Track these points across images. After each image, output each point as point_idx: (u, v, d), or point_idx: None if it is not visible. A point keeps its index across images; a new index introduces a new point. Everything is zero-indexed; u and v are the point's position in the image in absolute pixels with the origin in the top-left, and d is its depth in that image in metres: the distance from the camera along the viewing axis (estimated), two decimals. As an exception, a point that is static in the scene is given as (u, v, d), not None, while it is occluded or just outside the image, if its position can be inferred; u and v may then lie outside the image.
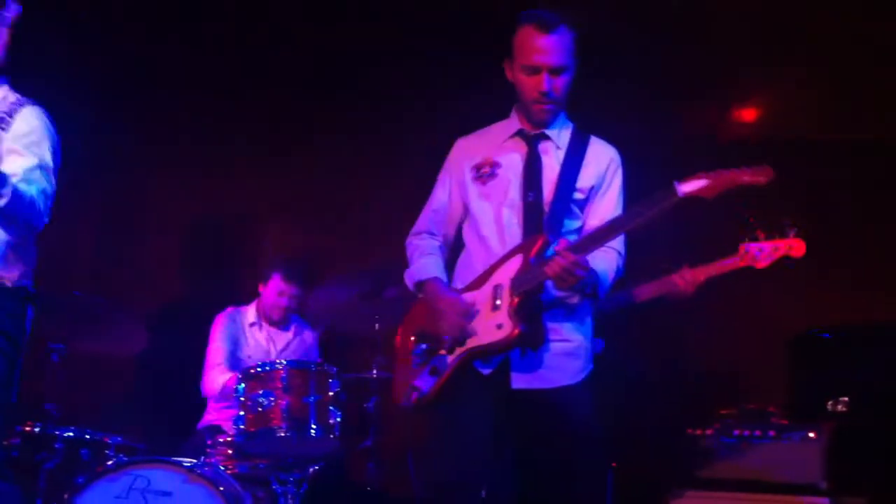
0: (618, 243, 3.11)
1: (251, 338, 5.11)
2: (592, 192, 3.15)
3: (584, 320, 3.15)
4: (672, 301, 4.15)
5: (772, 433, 4.21)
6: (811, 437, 4.12)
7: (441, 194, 3.34)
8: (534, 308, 2.99)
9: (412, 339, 3.20)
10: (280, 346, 5.15)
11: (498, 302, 2.99)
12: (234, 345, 5.04)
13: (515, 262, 3.02)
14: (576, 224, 3.14)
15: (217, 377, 4.88)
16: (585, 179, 3.13)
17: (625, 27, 5.59)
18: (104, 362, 5.31)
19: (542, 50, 3.02)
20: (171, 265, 5.73)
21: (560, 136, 3.19)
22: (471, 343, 3.01)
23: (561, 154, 3.16)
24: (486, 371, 3.03)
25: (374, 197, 5.76)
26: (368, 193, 5.80)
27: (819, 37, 5.45)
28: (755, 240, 3.83)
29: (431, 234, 3.35)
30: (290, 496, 4.09)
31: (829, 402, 4.51)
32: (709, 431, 4.33)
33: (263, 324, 5.16)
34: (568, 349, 3.07)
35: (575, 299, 3.08)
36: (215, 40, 5.76)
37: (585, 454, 3.02)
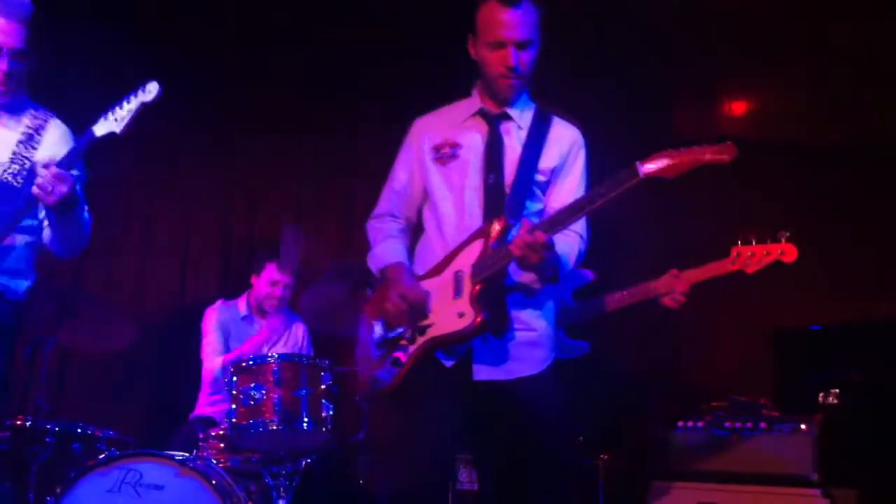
0: (579, 226, 3.04)
1: (242, 331, 5.10)
2: (554, 173, 3.08)
3: (546, 307, 3.08)
4: (666, 305, 4.10)
5: (763, 425, 4.22)
6: (802, 430, 4.13)
7: (401, 175, 3.25)
8: (496, 294, 2.92)
9: (374, 327, 3.13)
10: (272, 339, 5.14)
11: (459, 289, 2.92)
12: (226, 336, 5.04)
13: (476, 248, 2.94)
14: (537, 206, 3.07)
15: (216, 361, 4.91)
16: (547, 160, 3.07)
17: (617, 28, 5.62)
18: (95, 356, 5.30)
19: (508, 24, 2.96)
20: (164, 261, 5.69)
21: (522, 117, 3.12)
22: (432, 332, 2.93)
23: (523, 135, 3.09)
24: (449, 363, 2.96)
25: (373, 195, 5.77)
26: (368, 191, 5.79)
27: (811, 40, 5.49)
28: (747, 243, 3.82)
29: (393, 216, 3.27)
30: (282, 489, 4.07)
31: (821, 395, 4.54)
32: (700, 423, 4.35)
33: (255, 317, 5.16)
34: (531, 338, 3.00)
35: (536, 285, 3.01)
36: (215, 47, 5.75)
37: (552, 445, 2.95)
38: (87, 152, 3.15)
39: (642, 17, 5.65)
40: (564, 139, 3.12)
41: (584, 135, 3.17)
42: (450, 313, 2.90)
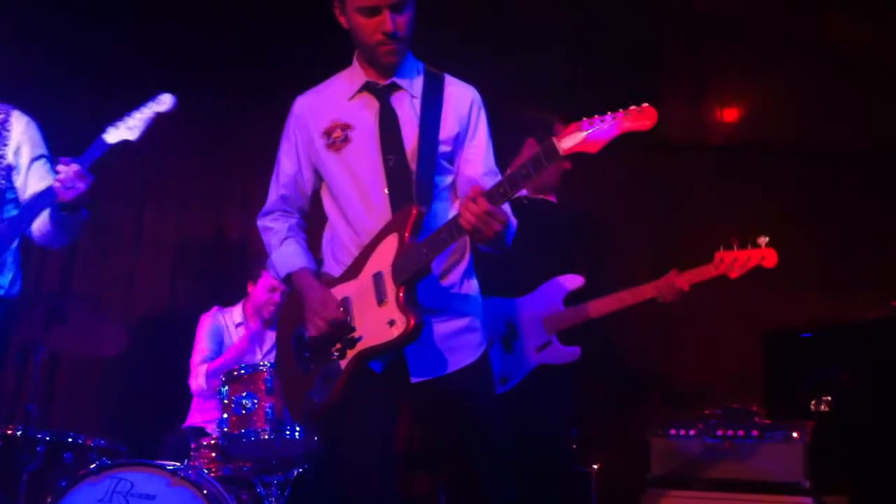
0: None
1: (235, 338, 5.08)
2: (458, 139, 2.87)
3: (470, 290, 2.89)
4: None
5: (755, 433, 4.22)
6: (794, 437, 4.14)
7: (287, 166, 3.01)
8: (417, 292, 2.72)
9: (294, 341, 2.92)
10: (266, 347, 5.12)
11: (382, 294, 2.70)
12: (220, 344, 5.02)
13: (391, 243, 2.71)
14: (448, 179, 2.88)
15: (201, 371, 4.87)
16: (449, 128, 2.85)
17: (612, 30, 5.62)
18: (86, 363, 5.29)
19: None
20: (155, 268, 5.67)
21: (413, 84, 2.88)
22: (362, 345, 2.72)
23: (417, 104, 2.85)
24: (379, 368, 2.76)
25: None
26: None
27: (802, 42, 5.50)
28: (730, 248, 3.85)
29: (285, 211, 3.04)
30: (274, 499, 4.08)
31: (812, 402, 4.54)
32: (692, 431, 4.35)
33: (250, 325, 5.14)
34: (460, 326, 2.82)
35: (457, 275, 2.85)
36: (208, 49, 5.73)
37: (496, 434, 2.81)
38: (99, 158, 3.17)
39: (632, 18, 5.66)
40: (462, 101, 2.89)
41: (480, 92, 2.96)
42: (378, 322, 2.69)
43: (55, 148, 3.50)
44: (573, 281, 4.10)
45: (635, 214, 5.72)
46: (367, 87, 2.89)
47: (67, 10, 5.43)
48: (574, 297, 4.11)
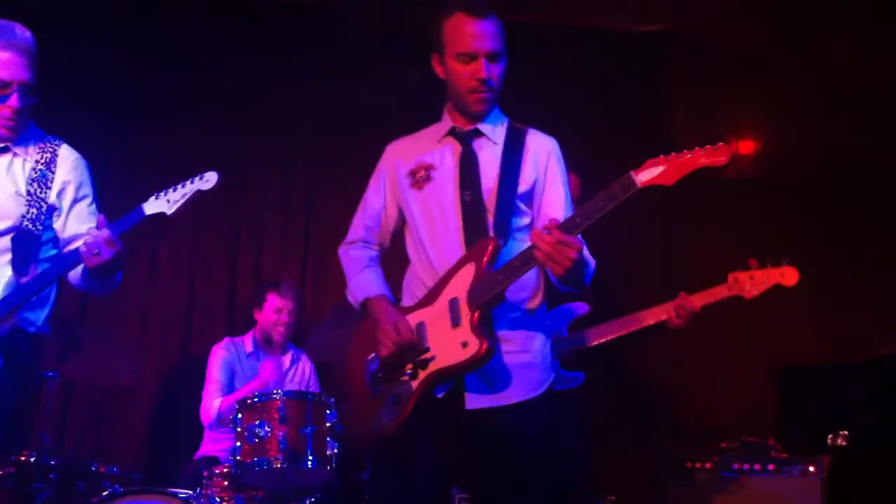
0: None
1: (249, 368, 5.08)
2: (536, 185, 2.98)
3: (541, 328, 2.96)
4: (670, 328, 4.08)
5: (771, 467, 4.20)
6: (811, 472, 4.11)
7: (374, 200, 3.15)
8: (491, 319, 2.81)
9: (368, 364, 3.00)
10: (280, 372, 5.12)
11: (457, 318, 2.79)
12: (231, 375, 5.01)
13: (468, 272, 2.82)
14: (524, 221, 2.96)
15: (214, 405, 4.86)
16: (527, 172, 2.97)
17: (617, 67, 5.67)
18: (100, 391, 5.30)
19: (478, 35, 2.88)
20: (170, 300, 5.69)
21: (495, 132, 3.02)
22: (434, 365, 2.80)
23: (498, 150, 2.99)
24: (441, 394, 2.83)
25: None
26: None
27: (811, 71, 5.54)
28: (746, 269, 3.78)
29: (366, 241, 3.17)
30: (286, 529, 4.06)
31: (829, 436, 4.50)
32: (708, 465, 4.32)
33: (261, 353, 5.14)
34: (525, 360, 2.87)
35: (532, 303, 2.92)
36: (219, 78, 5.79)
37: (546, 475, 2.83)
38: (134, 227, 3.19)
39: (641, 56, 5.71)
40: (542, 150, 3.02)
41: (560, 145, 3.08)
42: (451, 343, 2.78)
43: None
44: (579, 308, 4.05)
45: (644, 242, 5.71)
46: (451, 132, 3.04)
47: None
48: (579, 324, 4.07)
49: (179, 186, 3.18)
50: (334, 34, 5.82)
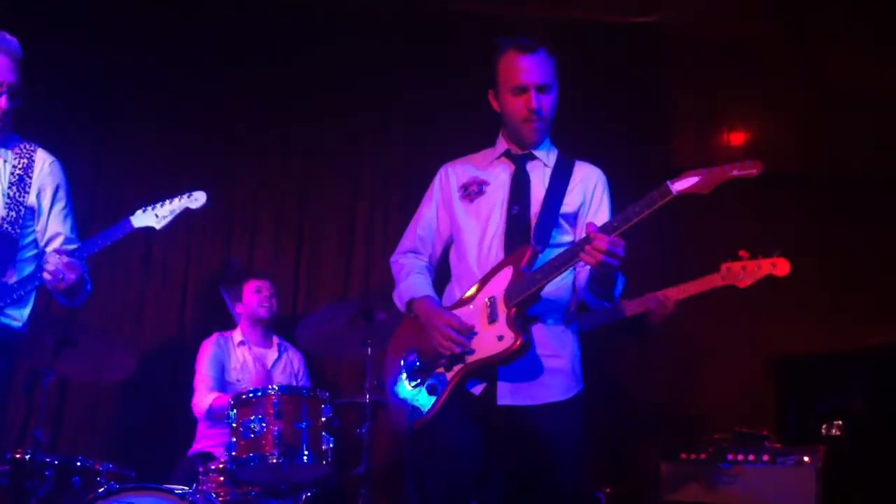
0: None
1: (239, 357, 5.08)
2: (581, 208, 3.15)
3: (573, 334, 3.12)
4: (654, 322, 4.09)
5: (766, 458, 4.20)
6: (805, 462, 4.11)
7: (427, 213, 3.33)
8: (527, 318, 2.97)
9: (405, 358, 3.16)
10: (269, 364, 5.13)
11: (494, 314, 2.96)
12: (221, 368, 5.02)
13: (506, 274, 2.99)
14: (565, 238, 3.11)
15: (204, 398, 4.88)
16: (574, 195, 3.14)
17: (614, 60, 5.66)
18: (94, 388, 5.29)
19: (528, 69, 3.07)
20: (163, 298, 5.67)
21: (548, 157, 3.21)
22: (471, 358, 2.96)
23: (548, 172, 3.17)
24: (478, 390, 2.99)
25: (373, 226, 5.81)
26: (355, 221, 5.82)
27: (809, 71, 5.54)
28: (738, 259, 3.79)
29: (417, 252, 3.33)
30: (282, 523, 4.05)
31: (824, 426, 4.51)
32: (703, 456, 4.32)
33: (251, 345, 5.15)
34: (557, 365, 3.02)
35: (564, 316, 3.07)
36: (216, 75, 5.78)
37: (569, 477, 2.97)
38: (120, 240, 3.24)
39: (642, 49, 5.70)
40: (589, 179, 3.19)
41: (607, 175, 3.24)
42: (488, 338, 2.94)
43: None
44: None
45: (639, 240, 5.71)
46: (506, 154, 3.24)
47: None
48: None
49: (168, 202, 3.28)
50: (330, 31, 5.81)
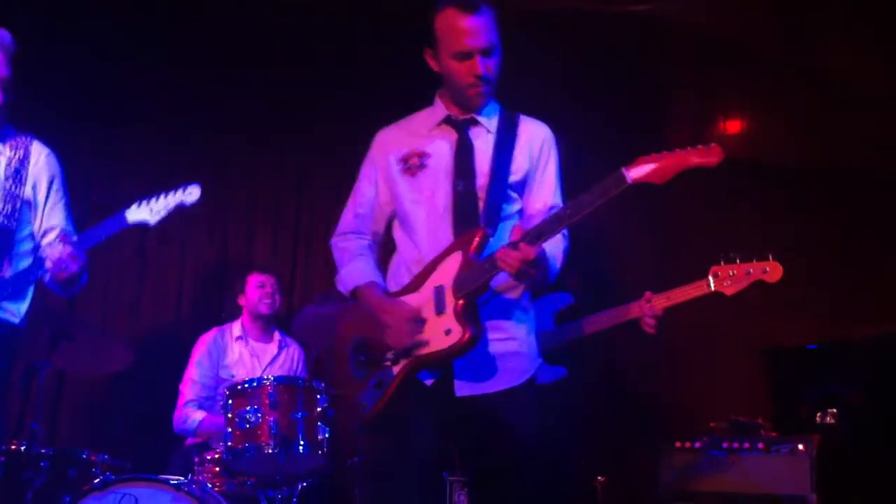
0: None
1: (235, 351, 5.09)
2: (528, 174, 3.00)
3: (527, 314, 2.99)
4: (648, 330, 3.94)
5: (760, 446, 4.21)
6: (800, 450, 4.12)
7: (367, 190, 3.12)
8: (477, 307, 2.82)
9: (352, 349, 3.02)
10: (265, 360, 5.14)
11: (441, 305, 2.81)
12: (216, 365, 5.04)
13: (455, 260, 2.83)
14: (514, 208, 2.98)
15: (189, 415, 4.90)
16: (520, 161, 2.98)
17: (611, 49, 5.66)
18: (90, 380, 5.30)
19: (471, 32, 2.86)
20: (160, 292, 5.69)
21: (491, 122, 3.03)
22: (418, 352, 2.82)
23: (492, 138, 2.99)
24: (430, 381, 2.86)
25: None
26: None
27: (805, 65, 5.54)
28: (730, 262, 3.65)
29: (358, 233, 3.14)
30: (278, 513, 4.06)
31: (818, 415, 4.52)
32: (698, 444, 4.33)
33: (249, 339, 5.16)
34: (512, 347, 2.91)
35: (516, 293, 2.94)
36: (209, 68, 5.78)
37: (538, 460, 2.86)
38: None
39: (637, 38, 5.70)
40: (535, 138, 3.03)
41: (554, 132, 3.09)
42: (435, 331, 2.80)
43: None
44: (561, 299, 4.01)
45: (634, 235, 5.73)
46: (447, 121, 3.03)
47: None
48: (566, 315, 4.04)
49: (162, 196, 3.28)
50: (328, 31, 5.81)
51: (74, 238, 3.26)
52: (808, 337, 5.04)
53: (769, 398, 4.98)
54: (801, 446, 4.13)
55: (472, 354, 2.79)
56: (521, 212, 3.01)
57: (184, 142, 5.72)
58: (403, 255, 3.04)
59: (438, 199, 2.95)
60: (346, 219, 3.17)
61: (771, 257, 3.59)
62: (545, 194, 3.00)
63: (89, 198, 5.35)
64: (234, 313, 5.30)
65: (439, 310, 2.81)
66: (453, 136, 3.01)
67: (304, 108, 5.90)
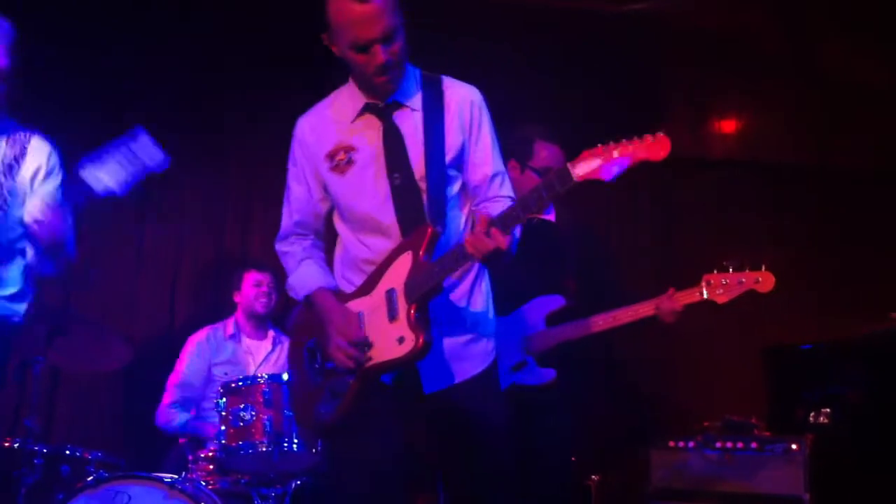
0: (508, 188, 2.89)
1: (228, 350, 5.08)
2: (464, 145, 2.84)
3: (478, 309, 2.87)
4: (667, 321, 3.95)
5: (754, 445, 4.21)
6: (794, 450, 4.13)
7: (298, 190, 2.98)
8: (428, 309, 2.73)
9: (306, 353, 2.94)
10: (259, 358, 5.13)
11: (394, 311, 2.71)
12: (207, 364, 5.02)
13: (405, 262, 2.72)
14: (457, 187, 2.85)
15: (171, 416, 4.90)
16: (453, 136, 2.81)
17: (608, 48, 5.66)
18: (85, 377, 5.29)
19: (366, 22, 2.64)
20: (155, 287, 5.68)
21: (413, 99, 2.84)
22: (371, 362, 2.74)
23: (419, 116, 2.81)
24: (388, 380, 2.79)
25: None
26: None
27: (801, 64, 5.55)
28: (723, 270, 3.65)
29: (299, 234, 3.02)
30: (271, 511, 4.06)
31: (812, 414, 4.53)
32: (692, 444, 4.33)
33: (243, 336, 5.15)
34: (467, 339, 2.83)
35: (464, 290, 2.84)
36: (204, 64, 5.78)
37: (503, 447, 2.80)
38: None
39: (634, 37, 5.70)
40: (463, 105, 2.85)
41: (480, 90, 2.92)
42: (388, 338, 2.71)
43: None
44: (553, 301, 3.95)
45: (634, 233, 5.73)
46: (368, 109, 2.85)
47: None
48: (562, 317, 4.02)
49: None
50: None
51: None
52: (804, 336, 5.04)
53: (764, 398, 4.98)
54: (794, 446, 4.14)
55: (434, 348, 2.71)
56: (463, 187, 2.90)
57: (180, 136, 5.69)
58: (351, 253, 2.91)
59: (377, 196, 2.81)
60: (285, 222, 3.05)
61: (764, 267, 3.58)
62: (484, 163, 2.87)
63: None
64: (229, 310, 5.29)
65: (392, 315, 2.72)
66: (378, 124, 2.83)
67: (303, 103, 5.88)
